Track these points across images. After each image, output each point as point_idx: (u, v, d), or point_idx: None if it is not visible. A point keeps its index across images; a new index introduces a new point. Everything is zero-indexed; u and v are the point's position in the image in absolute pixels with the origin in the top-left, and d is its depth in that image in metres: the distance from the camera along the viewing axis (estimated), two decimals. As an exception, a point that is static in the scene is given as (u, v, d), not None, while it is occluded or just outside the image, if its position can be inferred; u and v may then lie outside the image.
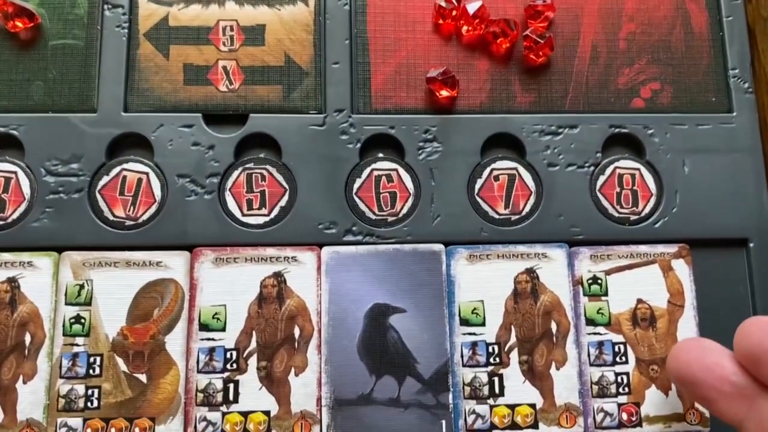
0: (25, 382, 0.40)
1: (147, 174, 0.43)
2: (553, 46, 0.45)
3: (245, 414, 0.40)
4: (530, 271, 0.42)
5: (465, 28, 0.45)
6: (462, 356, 0.41)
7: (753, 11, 0.48)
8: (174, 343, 0.40)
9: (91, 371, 0.40)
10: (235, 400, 0.40)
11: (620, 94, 0.46)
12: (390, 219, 0.43)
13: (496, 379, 0.41)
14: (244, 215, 0.43)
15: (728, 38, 0.47)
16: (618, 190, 0.44)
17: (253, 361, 0.40)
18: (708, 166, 0.44)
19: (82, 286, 0.41)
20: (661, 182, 0.44)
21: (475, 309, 0.42)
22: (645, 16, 0.47)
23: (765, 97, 0.46)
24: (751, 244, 0.43)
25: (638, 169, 0.45)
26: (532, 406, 0.41)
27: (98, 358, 0.40)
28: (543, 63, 0.46)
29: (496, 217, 0.43)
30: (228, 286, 0.41)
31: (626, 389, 0.41)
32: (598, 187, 0.44)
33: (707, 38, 0.47)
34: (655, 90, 0.46)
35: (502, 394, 0.41)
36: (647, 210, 0.44)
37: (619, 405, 0.41)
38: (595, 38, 0.46)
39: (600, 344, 0.42)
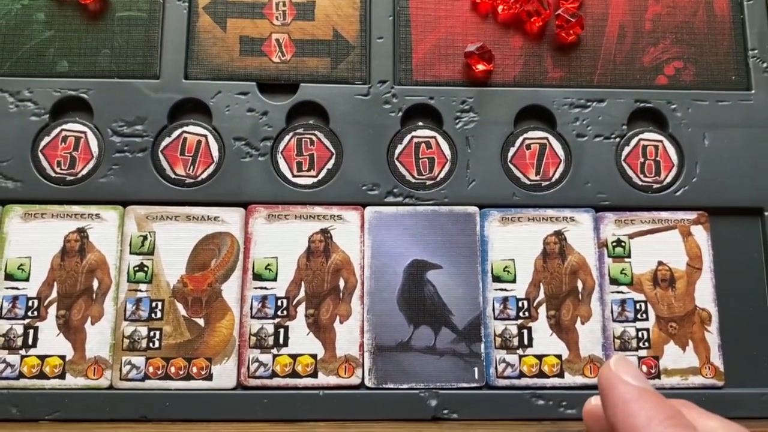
0: (93, 324, 0.43)
1: (206, 136, 0.46)
2: (583, 25, 0.48)
3: (294, 356, 0.43)
4: (558, 234, 0.46)
5: (501, 6, 0.48)
6: (494, 310, 0.44)
7: (772, -4, 0.51)
8: (229, 290, 0.44)
9: (153, 315, 0.43)
10: (285, 344, 0.43)
11: (645, 71, 0.49)
12: (428, 182, 0.46)
13: (525, 331, 0.44)
14: (294, 176, 0.46)
15: (748, 20, 0.49)
16: (642, 160, 0.47)
17: (301, 309, 0.44)
18: (727, 139, 0.47)
19: (145, 237, 0.44)
20: (682, 154, 0.47)
21: (506, 267, 0.45)
22: (670, -1, 0.50)
23: (782, 76, 0.49)
24: (766, 213, 0.46)
25: (661, 141, 0.48)
26: (559, 357, 0.44)
27: (160, 303, 0.44)
28: (573, 41, 0.49)
29: (528, 182, 0.47)
30: (279, 240, 0.45)
31: (646, 344, 0.44)
32: (623, 157, 0.47)
33: (728, 20, 0.50)
34: (678, 68, 0.49)
35: (530, 345, 0.44)
36: (669, 179, 0.47)
37: (640, 358, 0.44)
38: (622, 18, 0.49)
39: (623, 302, 0.45)
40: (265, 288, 0.44)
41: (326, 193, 0.46)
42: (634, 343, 0.44)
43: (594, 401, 0.30)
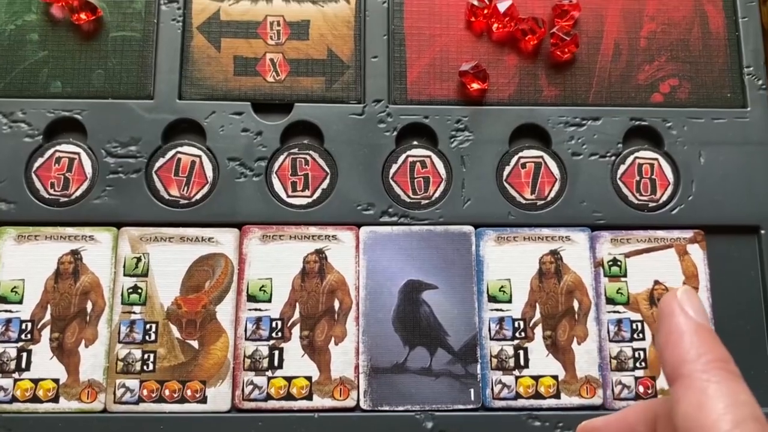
0: (86, 346, 0.43)
1: (200, 157, 0.46)
2: (578, 44, 0.48)
3: (289, 379, 0.43)
4: (554, 253, 0.45)
5: (495, 25, 0.48)
6: (490, 330, 0.44)
7: (767, 13, 0.51)
8: (224, 312, 0.44)
9: (147, 337, 0.43)
10: (280, 366, 0.43)
11: (640, 89, 0.49)
12: (423, 202, 0.46)
13: (521, 352, 0.44)
14: (288, 196, 0.46)
15: (743, 38, 0.49)
16: (638, 178, 0.47)
17: (296, 331, 0.44)
18: (723, 157, 0.47)
19: (139, 259, 0.44)
20: (678, 172, 0.47)
21: (502, 287, 0.45)
22: (665, 16, 0.50)
23: (778, 93, 0.49)
24: (763, 231, 0.46)
25: (657, 159, 0.48)
26: (555, 377, 0.44)
27: (154, 325, 0.43)
28: (568, 59, 0.49)
29: (523, 201, 0.46)
30: (274, 261, 0.44)
31: (643, 364, 0.44)
32: (618, 175, 0.47)
33: (723, 38, 0.50)
34: (673, 86, 0.49)
35: (526, 366, 0.44)
36: (665, 198, 0.47)
37: (636, 378, 0.44)
38: (617, 36, 0.49)
39: (619, 322, 0.45)
40: (260, 309, 0.44)
41: (321, 213, 0.45)
42: (630, 363, 0.44)
43: (586, 423, 0.29)
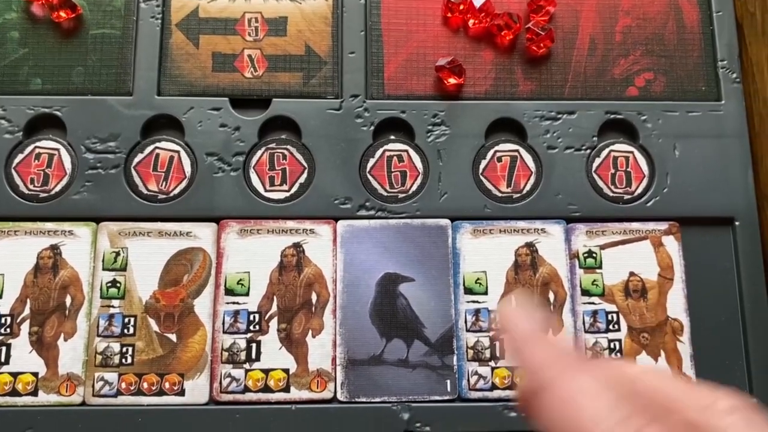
0: (65, 340, 0.43)
1: (178, 152, 0.46)
2: (553, 38, 0.48)
3: (266, 371, 0.43)
4: (530, 245, 0.46)
5: (471, 21, 0.49)
6: (466, 322, 0.45)
7: (741, 6, 0.51)
8: (202, 306, 0.44)
9: (125, 331, 0.44)
10: (257, 359, 0.43)
11: (616, 83, 0.49)
12: (400, 195, 0.47)
13: (497, 343, 0.44)
14: (266, 191, 0.46)
15: (718, 32, 0.50)
16: (613, 171, 0.47)
17: (273, 324, 0.44)
18: (697, 150, 0.48)
19: (118, 254, 0.45)
20: (653, 164, 0.48)
21: (478, 279, 0.45)
22: (640, 10, 0.50)
23: (751, 86, 0.50)
24: (737, 223, 0.47)
25: (632, 152, 0.48)
26: (531, 368, 0.44)
27: (132, 319, 0.44)
28: (544, 54, 0.49)
29: (499, 195, 0.47)
30: (251, 255, 0.45)
31: (618, 355, 0.44)
32: (594, 168, 0.47)
33: (698, 32, 0.50)
34: (648, 79, 0.49)
35: (502, 357, 0.44)
36: (640, 190, 0.47)
37: (612, 369, 0.44)
38: (593, 31, 0.50)
39: (594, 313, 0.45)
40: (238, 303, 0.44)
41: (298, 207, 0.46)
42: (606, 354, 0.44)
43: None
